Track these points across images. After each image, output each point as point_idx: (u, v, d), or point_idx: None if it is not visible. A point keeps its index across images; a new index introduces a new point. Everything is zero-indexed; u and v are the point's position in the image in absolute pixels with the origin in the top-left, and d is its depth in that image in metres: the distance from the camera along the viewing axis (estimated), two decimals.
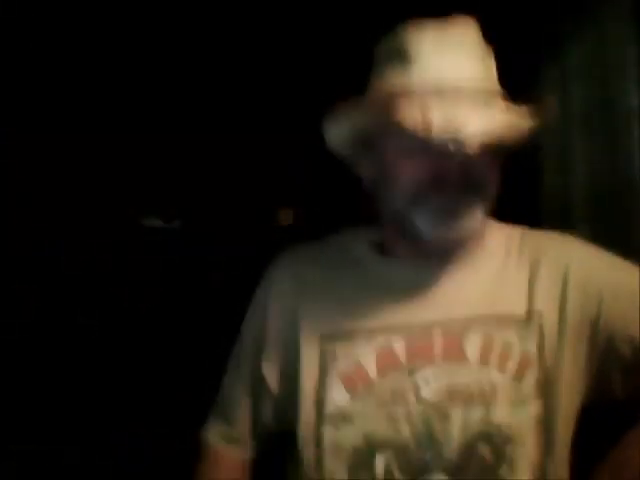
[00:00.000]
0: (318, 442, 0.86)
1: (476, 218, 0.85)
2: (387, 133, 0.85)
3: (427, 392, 0.84)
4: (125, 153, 3.69)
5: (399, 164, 0.85)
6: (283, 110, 3.36)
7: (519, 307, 0.87)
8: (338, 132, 0.90)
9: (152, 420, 2.93)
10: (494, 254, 0.92)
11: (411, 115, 0.78)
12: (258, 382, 0.96)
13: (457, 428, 0.83)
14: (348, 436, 0.85)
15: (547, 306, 0.87)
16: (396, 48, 0.86)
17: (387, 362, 0.86)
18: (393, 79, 0.85)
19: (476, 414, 0.83)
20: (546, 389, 0.85)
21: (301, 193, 4.03)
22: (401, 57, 0.84)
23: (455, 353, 0.85)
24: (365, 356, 0.86)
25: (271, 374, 0.95)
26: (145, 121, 3.51)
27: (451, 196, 0.82)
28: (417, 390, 0.84)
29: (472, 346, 0.85)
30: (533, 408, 0.85)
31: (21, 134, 3.11)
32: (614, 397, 0.91)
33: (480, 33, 0.88)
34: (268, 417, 0.97)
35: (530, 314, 0.87)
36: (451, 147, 0.78)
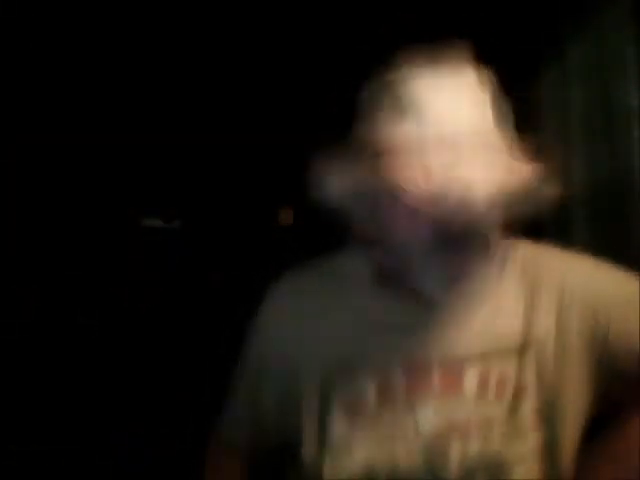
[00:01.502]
0: (319, 470, 0.87)
1: (480, 264, 0.85)
2: (385, 192, 0.82)
3: (426, 427, 0.84)
4: (125, 153, 3.69)
5: (398, 223, 0.82)
6: (283, 110, 3.36)
7: (516, 336, 0.87)
8: (330, 187, 0.87)
9: (152, 420, 2.93)
10: (494, 278, 0.90)
11: (412, 178, 0.77)
12: (259, 410, 0.97)
13: (455, 462, 0.83)
14: (348, 466, 0.85)
15: (546, 330, 0.87)
16: (391, 95, 0.83)
17: (386, 393, 0.86)
18: (389, 131, 0.82)
19: (474, 448, 0.83)
20: (547, 417, 0.85)
21: (301, 193, 4.03)
22: (397, 106, 0.82)
23: (453, 388, 0.85)
24: (365, 386, 0.87)
25: (271, 404, 0.96)
26: (145, 121, 3.51)
27: (454, 256, 0.81)
28: (416, 424, 0.85)
29: (470, 380, 0.85)
30: (534, 437, 0.84)
31: (21, 134, 3.10)
32: (615, 409, 0.90)
33: (475, 66, 0.85)
34: (270, 440, 0.99)
35: (528, 341, 0.86)
36: (456, 211, 0.76)
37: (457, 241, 0.80)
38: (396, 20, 0.87)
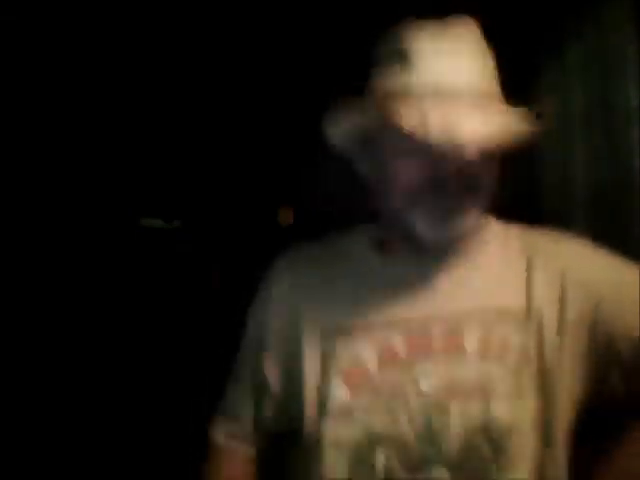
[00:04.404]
0: (320, 438, 0.87)
1: (474, 218, 0.86)
2: (386, 134, 0.85)
3: (426, 387, 0.84)
4: (125, 153, 3.69)
5: (397, 164, 0.85)
6: (283, 110, 3.36)
7: (518, 303, 0.88)
8: (338, 131, 0.90)
9: (152, 419, 2.93)
10: (492, 251, 0.92)
11: (409, 117, 0.79)
12: (260, 382, 0.98)
13: (456, 422, 0.83)
14: (349, 431, 0.85)
15: (546, 304, 0.87)
16: (395, 49, 0.86)
17: (387, 357, 0.86)
18: (392, 80, 0.85)
19: (475, 408, 0.83)
20: (545, 385, 0.85)
21: (301, 193, 4.03)
22: (400, 58, 0.85)
23: (454, 347, 0.86)
24: (365, 352, 0.87)
25: (273, 374, 0.96)
26: (145, 121, 3.51)
27: (449, 197, 0.83)
28: (416, 385, 0.85)
29: (471, 340, 0.86)
30: (532, 402, 0.85)
31: (20, 133, 3.11)
32: (614, 396, 0.91)
33: (480, 33, 0.88)
34: (270, 416, 0.99)
35: (529, 311, 0.87)
36: (449, 152, 0.78)
37: (454, 185, 0.82)
38: (395, 21, 0.88)
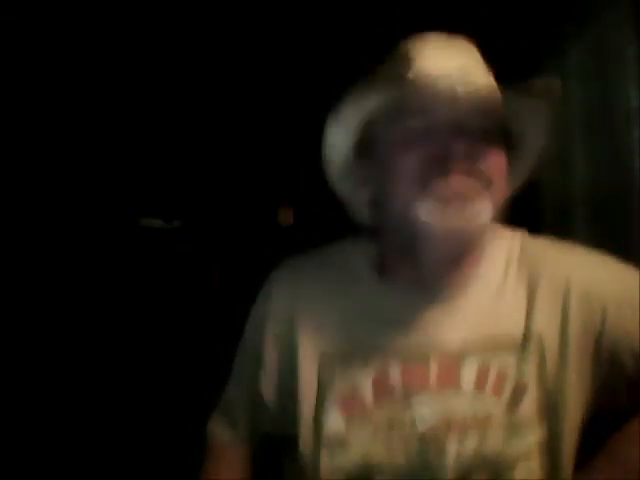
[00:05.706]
0: (316, 463, 0.86)
1: (483, 208, 0.82)
2: (390, 118, 0.84)
3: (422, 423, 0.83)
4: (125, 153, 3.69)
5: (402, 152, 0.83)
6: (283, 110, 3.36)
7: (517, 329, 0.86)
8: (340, 130, 0.88)
9: (152, 419, 2.93)
10: (492, 272, 0.90)
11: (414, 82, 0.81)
12: (256, 396, 0.97)
13: (452, 457, 0.82)
14: (345, 461, 0.84)
15: (547, 324, 0.86)
16: (398, 55, 0.87)
17: (383, 388, 0.85)
18: (393, 78, 0.85)
19: (471, 443, 0.82)
20: (549, 411, 0.84)
21: (301, 193, 4.03)
22: (402, 59, 0.86)
23: (450, 380, 0.85)
24: (362, 381, 0.86)
25: (268, 390, 0.96)
26: (145, 122, 3.51)
27: (456, 181, 0.80)
28: (412, 418, 0.84)
29: (468, 373, 0.84)
30: (535, 434, 0.83)
31: (21, 134, 3.10)
32: (617, 408, 0.90)
33: (478, 51, 0.89)
34: (267, 427, 0.99)
35: (529, 335, 0.85)
36: (460, 91, 0.78)
37: (459, 168, 0.81)
38: (396, 20, 0.88)
